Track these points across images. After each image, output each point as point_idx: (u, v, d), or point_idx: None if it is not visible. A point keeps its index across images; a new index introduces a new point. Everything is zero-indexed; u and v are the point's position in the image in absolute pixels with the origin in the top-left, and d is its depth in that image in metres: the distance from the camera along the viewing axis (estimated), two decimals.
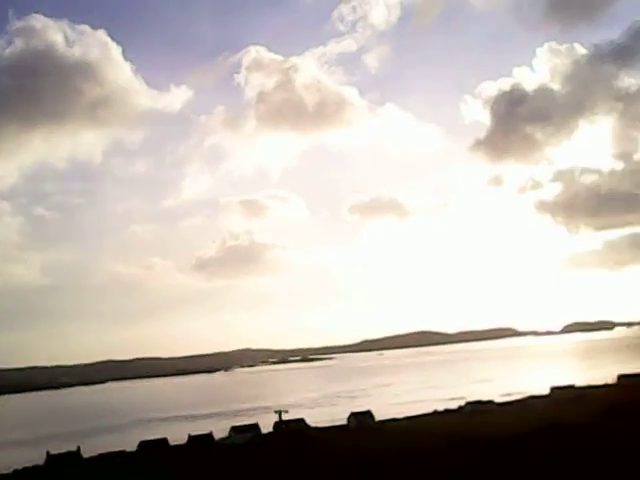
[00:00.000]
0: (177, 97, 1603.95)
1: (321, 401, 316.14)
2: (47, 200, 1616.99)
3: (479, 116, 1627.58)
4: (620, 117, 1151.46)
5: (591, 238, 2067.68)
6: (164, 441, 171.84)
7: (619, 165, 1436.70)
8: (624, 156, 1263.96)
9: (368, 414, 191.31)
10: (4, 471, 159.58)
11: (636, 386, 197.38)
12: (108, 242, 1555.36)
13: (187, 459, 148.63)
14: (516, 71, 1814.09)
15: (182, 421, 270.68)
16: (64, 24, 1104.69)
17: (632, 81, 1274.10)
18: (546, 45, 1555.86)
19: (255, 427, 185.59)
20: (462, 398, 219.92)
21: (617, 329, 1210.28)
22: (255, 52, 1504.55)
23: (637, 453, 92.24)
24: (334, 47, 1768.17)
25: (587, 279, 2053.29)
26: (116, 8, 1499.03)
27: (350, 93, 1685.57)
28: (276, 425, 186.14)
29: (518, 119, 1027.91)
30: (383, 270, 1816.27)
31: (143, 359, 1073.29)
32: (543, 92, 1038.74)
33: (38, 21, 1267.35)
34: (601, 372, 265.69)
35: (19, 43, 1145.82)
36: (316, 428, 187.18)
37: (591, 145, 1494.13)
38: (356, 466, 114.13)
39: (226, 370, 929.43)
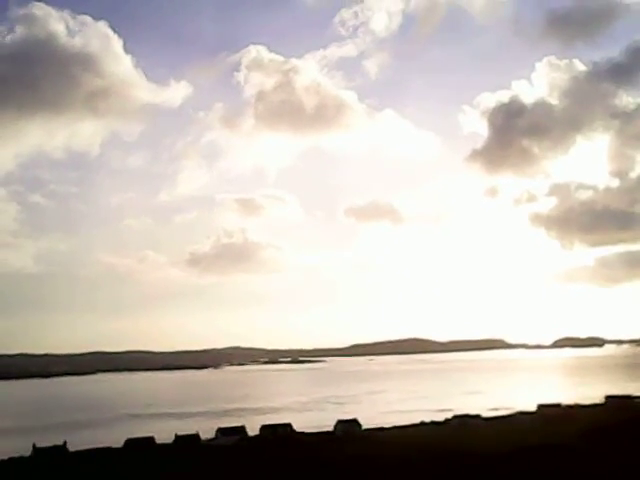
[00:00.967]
0: (176, 92, 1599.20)
1: (309, 405, 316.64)
2: (43, 188, 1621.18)
3: (477, 127, 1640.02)
4: (617, 135, 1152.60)
5: (584, 254, 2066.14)
6: (151, 440, 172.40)
7: (615, 182, 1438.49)
8: (620, 174, 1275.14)
9: (355, 422, 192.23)
10: None
11: (623, 408, 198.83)
12: (102, 233, 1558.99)
13: (173, 459, 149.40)
14: (515, 84, 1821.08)
15: (169, 419, 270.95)
16: (66, 14, 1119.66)
17: (630, 99, 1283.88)
18: (545, 59, 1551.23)
19: (242, 430, 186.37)
20: (450, 410, 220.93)
21: (607, 346, 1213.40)
22: (256, 52, 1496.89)
23: (620, 476, 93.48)
24: (335, 51, 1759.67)
25: (579, 295, 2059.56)
26: (119, 0, 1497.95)
27: (349, 97, 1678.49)
28: (262, 428, 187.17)
29: (515, 132, 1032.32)
30: (376, 275, 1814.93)
31: (133, 352, 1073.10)
32: (541, 106, 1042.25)
33: (40, 9, 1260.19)
34: (589, 391, 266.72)
35: (20, 31, 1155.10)
36: (302, 433, 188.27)
37: (587, 161, 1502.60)
38: (339, 472, 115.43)
39: (215, 367, 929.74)
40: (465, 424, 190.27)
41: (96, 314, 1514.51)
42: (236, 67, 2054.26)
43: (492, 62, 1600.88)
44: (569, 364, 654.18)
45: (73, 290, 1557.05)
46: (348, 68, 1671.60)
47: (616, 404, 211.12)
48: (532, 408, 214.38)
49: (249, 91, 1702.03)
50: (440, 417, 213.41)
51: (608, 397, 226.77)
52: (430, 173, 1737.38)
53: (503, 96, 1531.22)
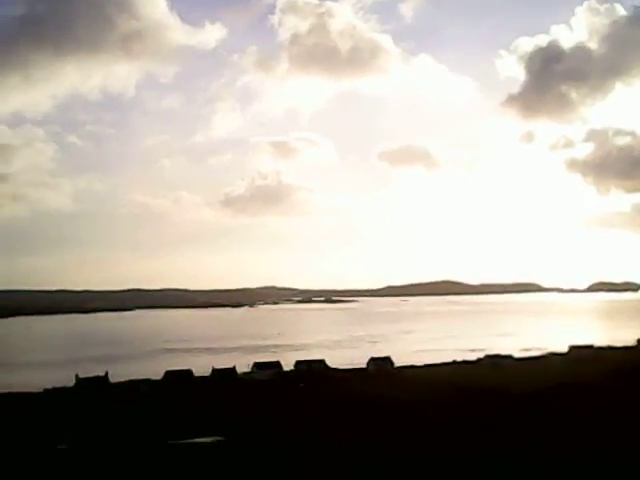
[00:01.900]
0: (211, 34, 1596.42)
1: (342, 343, 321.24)
2: (79, 129, 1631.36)
3: (514, 72, 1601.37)
4: None
5: (620, 200, 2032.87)
6: (189, 372, 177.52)
7: None
8: None
9: (387, 360, 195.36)
10: (35, 390, 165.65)
11: None
12: (138, 174, 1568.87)
13: (211, 391, 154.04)
14: (554, 28, 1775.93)
15: (206, 353, 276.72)
16: None
17: None
18: (586, 3, 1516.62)
19: (277, 364, 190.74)
20: (482, 350, 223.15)
21: None
22: None
23: None
24: None
25: (614, 240, 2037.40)
26: None
27: (384, 41, 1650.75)
28: (297, 363, 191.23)
29: (553, 77, 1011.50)
30: (410, 218, 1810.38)
31: (170, 290, 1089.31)
32: (580, 51, 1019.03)
33: None
34: (622, 334, 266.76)
35: None
36: (336, 369, 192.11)
37: (626, 107, 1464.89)
38: (371, 406, 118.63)
39: (250, 306, 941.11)
40: (497, 364, 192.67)
41: (133, 252, 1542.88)
42: (271, 10, 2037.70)
43: (531, 6, 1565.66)
44: (603, 308, 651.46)
45: (110, 229, 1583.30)
46: (383, 11, 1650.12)
47: None
48: (564, 349, 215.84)
49: (283, 34, 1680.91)
50: (472, 357, 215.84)
51: None
52: (465, 118, 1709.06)
53: (541, 40, 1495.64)
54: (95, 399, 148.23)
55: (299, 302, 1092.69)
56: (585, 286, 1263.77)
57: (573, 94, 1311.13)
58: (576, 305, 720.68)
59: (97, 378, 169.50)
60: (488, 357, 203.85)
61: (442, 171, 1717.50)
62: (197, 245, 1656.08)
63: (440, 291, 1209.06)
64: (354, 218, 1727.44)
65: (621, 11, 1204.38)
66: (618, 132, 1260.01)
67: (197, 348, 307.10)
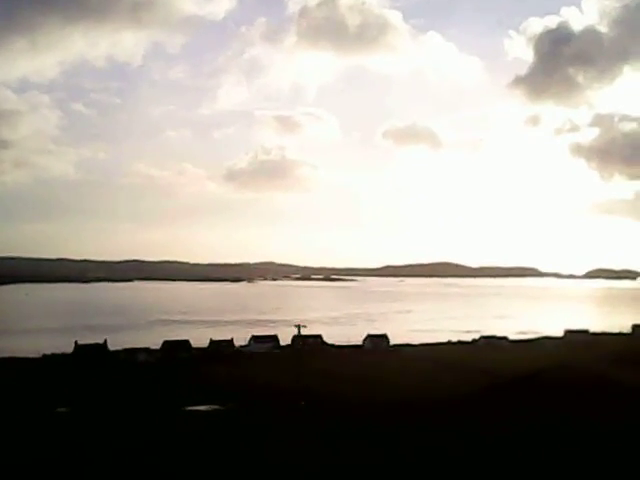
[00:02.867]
0: (220, 5, 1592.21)
1: (340, 320, 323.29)
2: (85, 97, 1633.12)
3: (522, 53, 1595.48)
4: None
5: (623, 186, 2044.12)
6: (186, 343, 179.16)
7: None
8: None
9: (384, 337, 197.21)
10: (34, 355, 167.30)
11: None
12: (142, 144, 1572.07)
13: (208, 361, 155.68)
14: (564, 10, 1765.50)
15: (204, 326, 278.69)
16: None
17: None
18: None
19: (274, 338, 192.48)
20: (477, 332, 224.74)
21: None
22: None
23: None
24: None
25: (615, 227, 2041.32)
26: None
27: (394, 17, 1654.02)
28: (294, 338, 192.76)
29: (561, 59, 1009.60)
30: (411, 198, 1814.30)
31: (169, 262, 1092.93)
32: (590, 34, 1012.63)
33: None
34: (617, 320, 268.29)
35: None
36: (332, 345, 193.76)
37: (633, 92, 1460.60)
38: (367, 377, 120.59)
39: (249, 281, 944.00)
40: (492, 344, 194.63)
41: (134, 224, 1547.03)
42: None
43: None
44: (600, 295, 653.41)
45: (112, 199, 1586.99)
46: None
47: None
48: (559, 334, 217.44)
49: (292, 7, 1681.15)
50: (467, 337, 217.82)
51: (636, 326, 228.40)
52: (472, 99, 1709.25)
53: (551, 22, 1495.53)
54: (94, 365, 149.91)
55: (298, 279, 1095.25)
56: (583, 272, 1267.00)
57: (580, 78, 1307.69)
58: (573, 291, 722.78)
59: (96, 345, 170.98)
60: (483, 338, 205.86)
61: (446, 152, 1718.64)
62: (198, 218, 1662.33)
63: (439, 273, 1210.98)
64: (356, 196, 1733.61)
65: None
66: (624, 118, 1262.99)
67: (195, 320, 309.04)
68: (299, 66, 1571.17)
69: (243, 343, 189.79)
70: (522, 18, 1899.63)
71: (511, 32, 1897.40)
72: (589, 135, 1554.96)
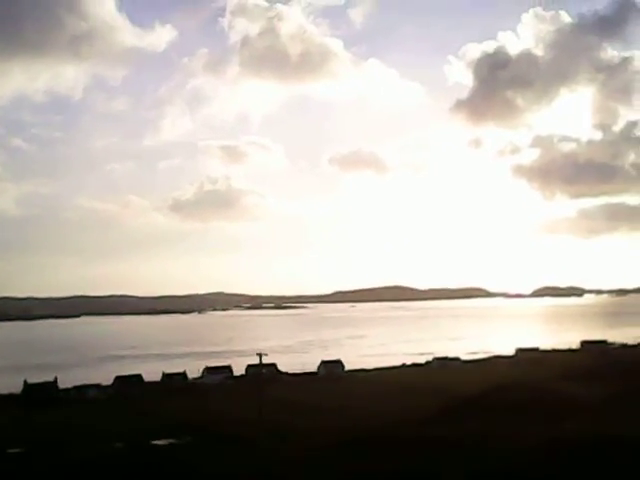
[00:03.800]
0: (161, 36, 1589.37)
1: (293, 348, 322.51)
2: (25, 132, 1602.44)
3: (462, 77, 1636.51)
4: (601, 88, 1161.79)
5: (566, 205, 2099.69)
6: (139, 377, 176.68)
7: (597, 135, 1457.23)
8: (603, 127, 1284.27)
9: (338, 363, 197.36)
10: None
11: (597, 352, 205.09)
12: (85, 177, 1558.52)
13: (161, 395, 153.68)
14: (501, 35, 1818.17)
15: (156, 359, 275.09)
16: None
17: (614, 53, 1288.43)
18: (532, 11, 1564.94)
19: (228, 369, 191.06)
20: (430, 354, 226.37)
21: (586, 296, 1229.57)
22: None
23: (588, 411, 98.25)
24: None
25: (560, 245, 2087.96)
26: None
27: (335, 45, 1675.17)
28: (248, 368, 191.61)
29: (500, 82, 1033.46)
30: (359, 223, 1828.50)
31: (116, 296, 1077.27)
32: (526, 57, 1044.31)
33: None
34: (566, 337, 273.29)
35: None
36: (287, 373, 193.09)
37: (571, 114, 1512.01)
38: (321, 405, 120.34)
39: (199, 312, 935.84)
40: (445, 366, 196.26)
41: (79, 258, 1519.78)
42: (221, 12, 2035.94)
43: (478, 13, 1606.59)
44: (548, 312, 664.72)
45: (56, 234, 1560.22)
46: (334, 16, 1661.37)
47: (592, 349, 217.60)
48: (511, 352, 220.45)
49: (234, 37, 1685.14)
50: (421, 360, 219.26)
51: (584, 342, 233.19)
52: (414, 123, 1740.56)
53: (489, 47, 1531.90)
54: (44, 404, 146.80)
55: (249, 308, 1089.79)
56: (531, 291, 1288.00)
57: (519, 100, 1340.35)
58: (522, 310, 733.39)
59: (46, 384, 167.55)
60: (436, 359, 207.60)
61: (392, 176, 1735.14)
62: (145, 250, 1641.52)
63: (389, 297, 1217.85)
64: (305, 223, 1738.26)
65: (566, 19, 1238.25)
66: (563, 138, 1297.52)
67: (146, 354, 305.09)
68: (243, 96, 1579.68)
69: (196, 375, 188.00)
70: (461, 43, 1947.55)
71: (450, 57, 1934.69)
72: (530, 156, 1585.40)
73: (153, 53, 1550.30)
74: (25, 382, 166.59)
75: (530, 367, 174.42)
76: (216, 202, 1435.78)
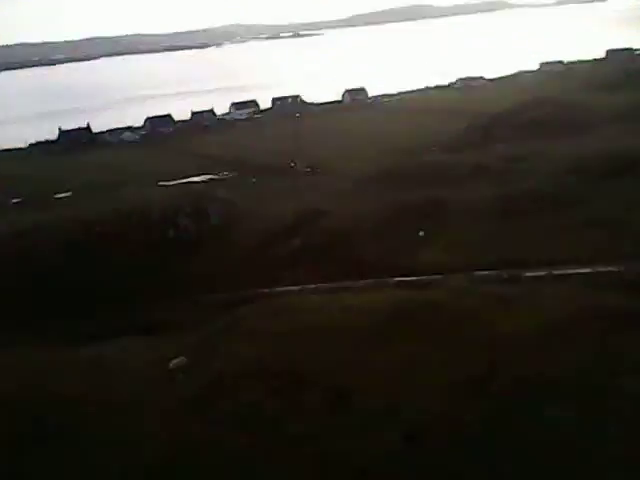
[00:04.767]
0: None
1: (316, 76, 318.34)
2: None
3: None
4: None
5: None
6: (169, 117, 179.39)
7: None
8: None
9: (362, 90, 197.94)
10: (21, 145, 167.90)
11: (622, 60, 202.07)
12: None
13: (193, 133, 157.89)
14: None
15: (182, 97, 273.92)
16: None
17: None
18: None
19: (254, 103, 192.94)
20: (453, 75, 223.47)
21: (610, 0, 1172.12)
22: None
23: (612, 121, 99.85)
24: None
25: None
26: None
27: None
28: (274, 101, 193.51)
29: None
30: None
31: (133, 35, 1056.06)
32: None
33: None
34: (591, 46, 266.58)
35: None
36: (311, 104, 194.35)
37: None
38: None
39: (217, 46, 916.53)
40: (469, 85, 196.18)
41: None
42: None
43: None
44: (572, 21, 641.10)
45: None
46: None
47: (617, 58, 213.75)
48: (535, 67, 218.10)
49: None
50: (444, 81, 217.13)
51: (609, 51, 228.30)
52: None
53: None
54: (81, 149, 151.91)
55: (267, 39, 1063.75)
56: (555, 0, 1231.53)
57: None
58: (546, 20, 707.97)
59: (80, 129, 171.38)
60: (460, 80, 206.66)
61: None
62: None
63: (408, 17, 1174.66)
64: None
65: None
66: None
67: (171, 93, 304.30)
68: None
69: (224, 111, 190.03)
70: None
71: None
72: None
73: None
74: (59, 129, 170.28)
75: (555, 81, 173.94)
76: None
